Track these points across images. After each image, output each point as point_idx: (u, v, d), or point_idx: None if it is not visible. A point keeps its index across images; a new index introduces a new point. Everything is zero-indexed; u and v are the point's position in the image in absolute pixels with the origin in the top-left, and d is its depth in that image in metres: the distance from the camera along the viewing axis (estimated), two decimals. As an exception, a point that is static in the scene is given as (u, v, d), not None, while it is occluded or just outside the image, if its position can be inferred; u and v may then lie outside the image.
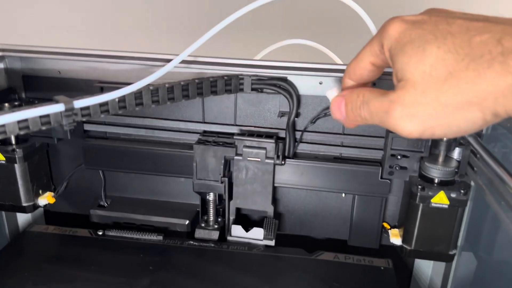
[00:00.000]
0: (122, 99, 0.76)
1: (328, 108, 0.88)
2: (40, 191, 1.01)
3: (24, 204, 0.98)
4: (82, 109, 0.72)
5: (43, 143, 1.00)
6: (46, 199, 1.01)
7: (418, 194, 0.82)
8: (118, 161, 0.99)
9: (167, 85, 0.80)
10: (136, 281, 0.77)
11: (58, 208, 1.10)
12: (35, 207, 1.00)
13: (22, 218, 1.11)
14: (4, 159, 0.94)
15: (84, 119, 0.72)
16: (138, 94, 0.77)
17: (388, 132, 0.86)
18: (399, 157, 0.86)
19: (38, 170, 1.00)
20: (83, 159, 1.00)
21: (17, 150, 0.94)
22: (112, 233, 0.91)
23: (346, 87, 0.58)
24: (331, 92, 0.62)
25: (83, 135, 1.00)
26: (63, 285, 0.77)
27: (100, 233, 0.91)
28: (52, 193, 1.03)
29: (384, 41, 0.47)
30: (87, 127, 1.00)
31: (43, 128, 0.68)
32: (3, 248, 0.87)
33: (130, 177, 1.05)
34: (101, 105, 0.74)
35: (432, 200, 0.81)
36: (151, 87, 0.78)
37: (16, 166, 0.94)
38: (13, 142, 0.96)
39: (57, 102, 0.68)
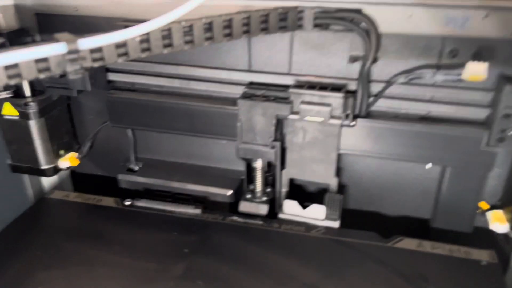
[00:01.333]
0: (145, 38, 0.58)
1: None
2: (62, 152, 0.88)
3: (44, 167, 0.85)
4: (92, 51, 0.54)
5: (62, 96, 0.85)
6: (68, 160, 0.87)
7: (543, 169, 0.59)
8: (148, 118, 0.83)
9: (204, 21, 0.60)
10: (167, 268, 0.63)
11: (86, 169, 0.98)
12: (57, 170, 0.87)
13: (48, 179, 0.99)
14: (17, 114, 0.80)
15: (95, 65, 0.56)
16: (166, 32, 0.59)
17: (503, 82, 0.63)
18: (515, 118, 0.63)
19: (58, 128, 0.86)
20: (108, 115, 0.85)
21: (31, 104, 0.79)
22: (141, 203, 0.76)
23: None
24: None
25: (107, 87, 0.84)
26: (78, 268, 0.63)
27: (128, 203, 0.77)
28: (76, 154, 0.89)
29: None
30: (111, 76, 0.84)
31: (41, 76, 0.52)
32: (15, 219, 0.75)
33: (164, 137, 0.89)
34: (118, 46, 0.56)
35: None
36: (183, 23, 0.59)
37: (31, 122, 0.80)
38: (27, 94, 0.82)
39: (57, 41, 0.51)
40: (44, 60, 0.51)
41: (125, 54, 0.57)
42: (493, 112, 0.66)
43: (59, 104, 0.85)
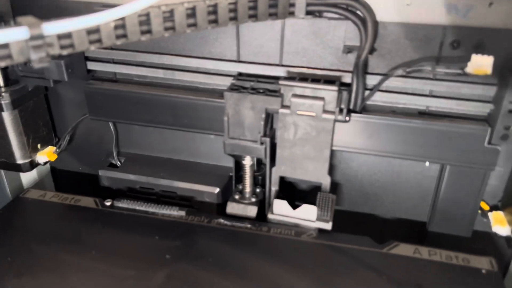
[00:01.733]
0: (120, 24, 0.52)
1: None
2: (39, 146, 0.83)
3: (19, 162, 0.80)
4: (60, 37, 0.49)
5: (39, 86, 0.80)
6: (46, 155, 0.82)
7: (550, 170, 0.56)
8: (130, 111, 0.78)
9: (186, 5, 0.55)
10: (147, 276, 0.58)
11: (67, 165, 0.92)
12: (33, 165, 0.82)
13: (27, 176, 0.94)
14: (-12, 105, 0.75)
15: (64, 52, 0.50)
16: (143, 18, 0.54)
17: (508, 76, 0.58)
18: (521, 114, 0.59)
19: (34, 120, 0.81)
20: (87, 107, 0.79)
21: (4, 94, 0.74)
22: (122, 204, 0.71)
23: None
24: None
25: (86, 77, 0.79)
26: (52, 276, 0.59)
27: (108, 203, 0.72)
28: (54, 148, 0.84)
29: None
30: (91, 65, 0.79)
31: (2, 64, 0.46)
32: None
33: (147, 131, 0.84)
34: (89, 32, 0.51)
35: None
36: (163, 8, 0.54)
37: (4, 114, 0.75)
38: (1, 83, 0.76)
39: (19, 25, 0.46)
40: (4, 46, 0.46)
41: (98, 41, 0.52)
42: (496, 108, 0.62)
43: (35, 95, 0.80)
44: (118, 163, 0.86)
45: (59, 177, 0.95)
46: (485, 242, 0.72)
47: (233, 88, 0.68)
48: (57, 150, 0.84)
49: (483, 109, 0.65)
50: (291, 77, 0.67)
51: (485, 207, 0.70)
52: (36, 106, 0.81)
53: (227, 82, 0.71)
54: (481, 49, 0.61)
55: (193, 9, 0.56)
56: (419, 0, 0.60)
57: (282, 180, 0.73)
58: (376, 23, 0.62)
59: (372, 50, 0.63)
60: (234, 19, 0.59)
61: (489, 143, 0.63)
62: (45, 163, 0.83)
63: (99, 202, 0.73)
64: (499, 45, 0.60)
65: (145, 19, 0.54)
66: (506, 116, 0.60)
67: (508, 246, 0.65)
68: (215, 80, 0.74)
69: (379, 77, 0.65)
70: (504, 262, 0.67)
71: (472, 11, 0.59)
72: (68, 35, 0.49)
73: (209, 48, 0.72)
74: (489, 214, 0.69)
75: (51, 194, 0.75)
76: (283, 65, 0.70)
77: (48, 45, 0.48)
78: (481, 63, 0.51)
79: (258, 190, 0.76)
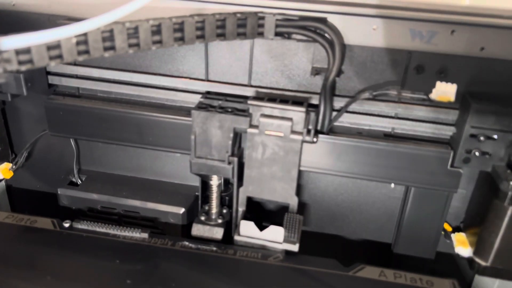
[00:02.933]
0: (82, 39, 0.51)
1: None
2: (-7, 163, 0.78)
3: (-29, 179, 0.75)
4: (18, 52, 0.47)
5: (-5, 100, 0.76)
6: (1, 172, 0.78)
7: (509, 193, 0.57)
8: (93, 128, 0.75)
9: (151, 22, 0.54)
10: (106, 302, 0.55)
11: (24, 182, 0.88)
12: (-13, 182, 0.77)
13: (-21, 193, 0.89)
14: None
15: (23, 68, 0.48)
16: (107, 34, 0.52)
17: (470, 101, 0.60)
18: (482, 138, 0.60)
19: (-11, 135, 0.77)
20: (47, 123, 0.76)
21: (-44, 108, 0.70)
22: (81, 225, 0.68)
23: None
24: None
25: (47, 91, 0.76)
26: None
27: (67, 225, 0.68)
28: (10, 165, 0.80)
29: None
30: (52, 80, 0.76)
31: (-49, 80, 0.43)
32: None
33: (110, 149, 0.81)
34: (50, 47, 0.49)
35: (529, 204, 0.57)
36: (127, 24, 0.53)
37: (-44, 129, 0.71)
38: (-47, 97, 0.72)
39: (-28, 38, 0.43)
40: (-46, 60, 0.43)
41: (59, 56, 0.50)
42: (458, 132, 0.63)
43: (-9, 109, 0.76)
44: (79, 181, 0.82)
45: (15, 195, 0.90)
46: (447, 263, 0.73)
47: (200, 107, 0.67)
48: (13, 167, 0.80)
49: (446, 132, 0.66)
50: (259, 97, 0.67)
51: (448, 228, 0.72)
52: (-9, 120, 0.77)
53: (194, 99, 0.70)
54: (444, 75, 0.63)
55: (159, 26, 0.55)
56: (385, 25, 0.62)
57: (250, 200, 0.72)
58: (343, 46, 0.63)
59: (339, 73, 0.64)
60: (201, 37, 0.59)
61: (452, 166, 0.64)
62: (0, 180, 0.79)
63: (57, 223, 0.69)
64: (460, 71, 0.62)
65: (108, 35, 0.52)
66: (467, 140, 0.62)
67: (470, 268, 0.66)
68: (183, 97, 0.73)
69: (346, 99, 0.65)
70: (466, 283, 0.68)
71: (436, 37, 0.61)
72: (27, 50, 0.47)
73: (177, 66, 0.71)
74: (452, 235, 0.70)
75: (4, 215, 0.70)
76: (252, 86, 0.69)
77: (5, 61, 0.46)
78: (445, 90, 0.52)
79: (224, 211, 0.74)
